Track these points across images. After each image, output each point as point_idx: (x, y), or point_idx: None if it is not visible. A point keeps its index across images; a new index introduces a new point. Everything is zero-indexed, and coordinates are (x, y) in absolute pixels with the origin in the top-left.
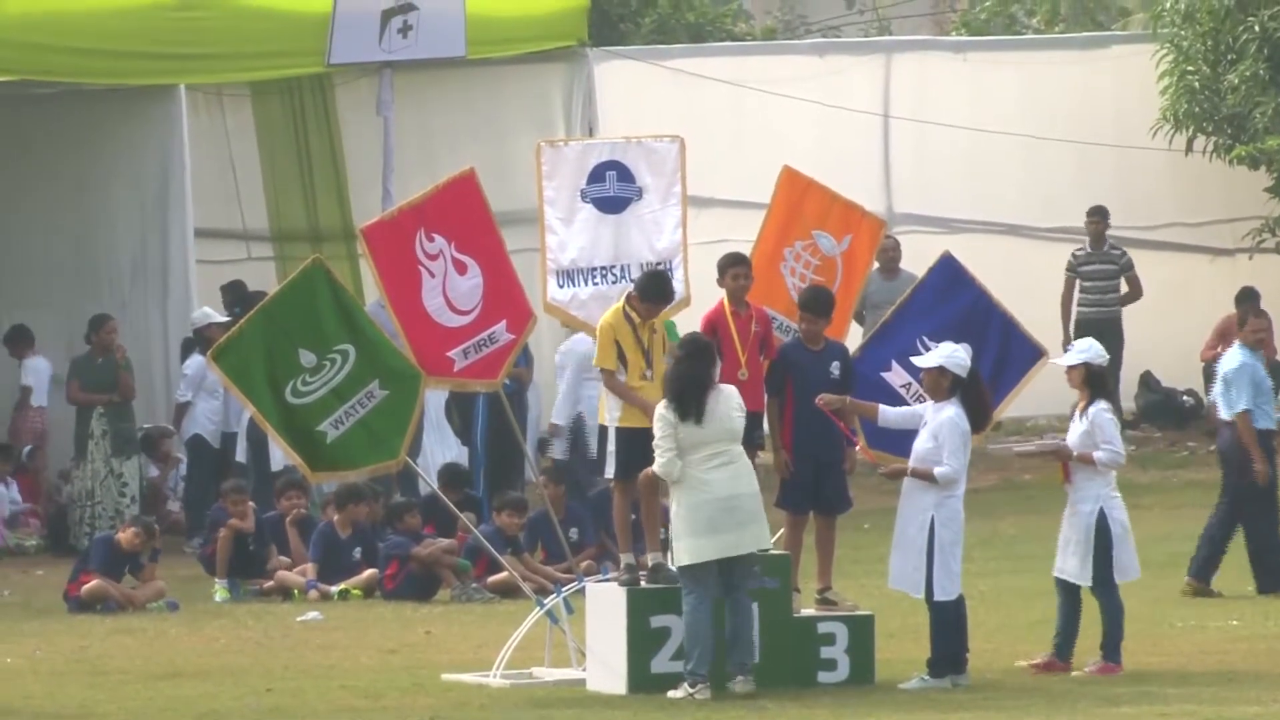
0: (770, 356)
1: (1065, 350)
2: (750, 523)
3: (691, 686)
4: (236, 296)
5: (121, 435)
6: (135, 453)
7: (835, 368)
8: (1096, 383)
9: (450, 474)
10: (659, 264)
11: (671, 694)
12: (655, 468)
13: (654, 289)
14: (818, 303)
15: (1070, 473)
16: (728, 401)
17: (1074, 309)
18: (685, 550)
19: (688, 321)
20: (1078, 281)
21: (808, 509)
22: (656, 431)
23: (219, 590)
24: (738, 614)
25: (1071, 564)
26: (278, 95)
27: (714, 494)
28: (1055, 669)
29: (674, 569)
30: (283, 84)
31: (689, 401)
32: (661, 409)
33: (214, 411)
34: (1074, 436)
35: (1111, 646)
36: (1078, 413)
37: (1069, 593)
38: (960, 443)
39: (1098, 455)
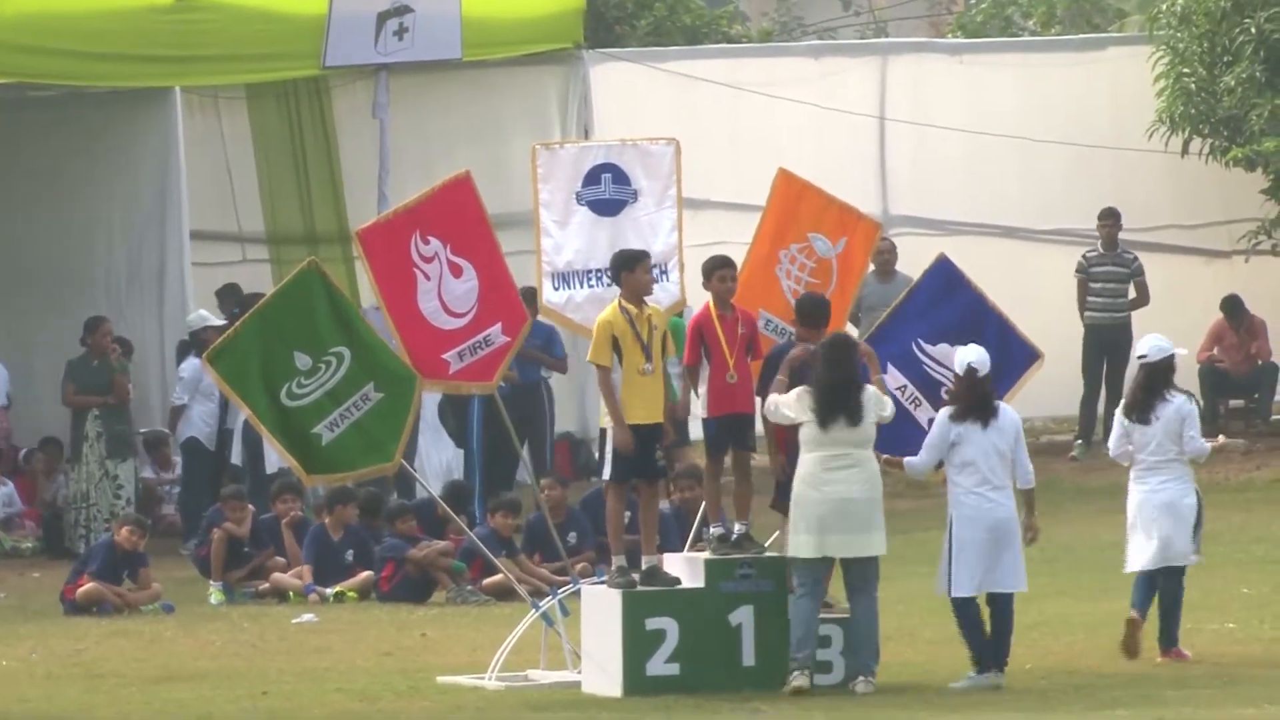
0: (757, 358)
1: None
2: (863, 529)
3: (790, 674)
4: (234, 299)
5: (116, 437)
6: (130, 455)
7: None
8: None
9: (453, 491)
10: (655, 266)
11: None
12: (768, 406)
13: (614, 262)
14: (814, 312)
15: None
16: (871, 405)
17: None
18: (797, 544)
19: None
20: (1088, 284)
21: None
22: (790, 401)
23: (214, 593)
24: (860, 617)
25: None
26: (273, 98)
27: (830, 494)
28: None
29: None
30: (278, 86)
31: (839, 404)
32: (800, 393)
33: (210, 414)
34: None
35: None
36: None
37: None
38: (937, 436)
39: None
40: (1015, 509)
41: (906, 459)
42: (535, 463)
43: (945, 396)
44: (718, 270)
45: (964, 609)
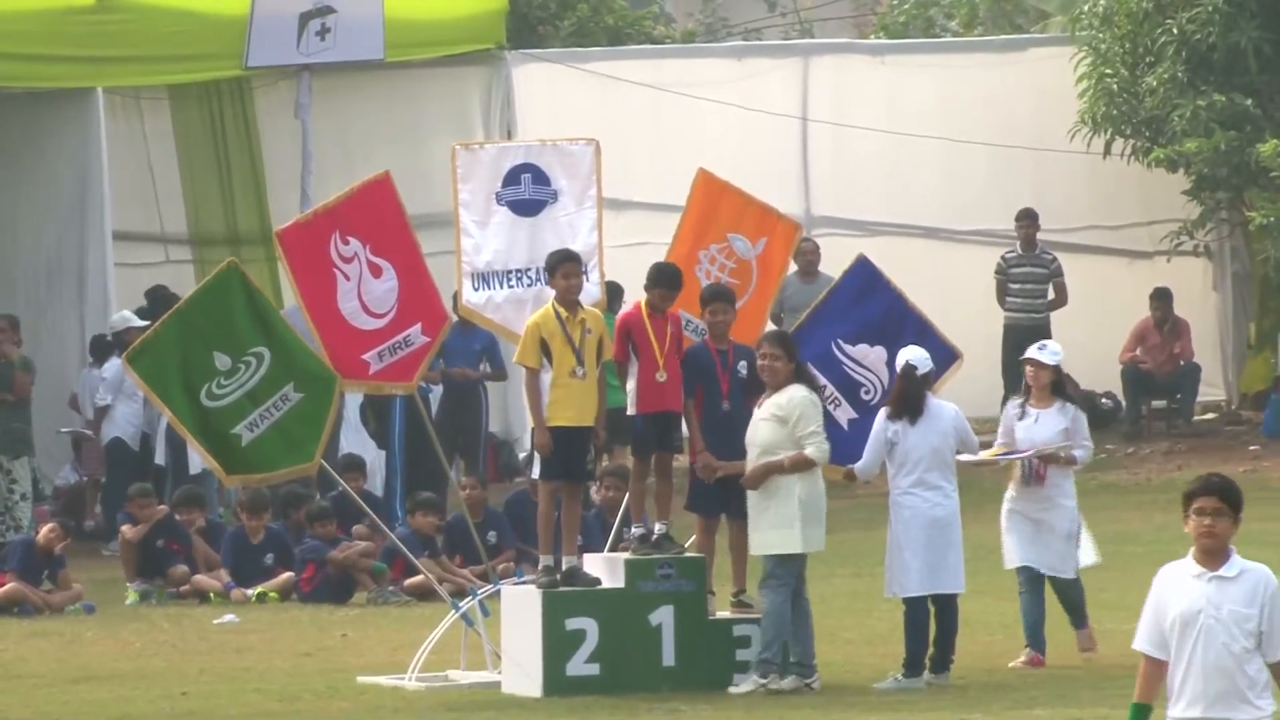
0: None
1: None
2: (824, 522)
3: (763, 676)
4: (156, 300)
5: (10, 434)
6: (26, 453)
7: (743, 367)
8: (1063, 384)
9: (348, 464)
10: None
11: (737, 689)
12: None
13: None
14: (716, 293)
15: (1046, 472)
16: None
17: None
18: (799, 539)
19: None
20: (1007, 285)
21: (719, 512)
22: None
23: (130, 593)
24: (808, 615)
25: (1053, 557)
26: (196, 98)
27: (820, 489)
28: (1039, 663)
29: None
30: (201, 87)
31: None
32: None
33: (134, 415)
34: (1046, 435)
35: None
36: (1034, 412)
37: (1040, 584)
38: (875, 436)
39: (1079, 453)
40: (955, 509)
41: (856, 465)
42: (470, 464)
43: (864, 397)
44: (659, 288)
45: (914, 610)
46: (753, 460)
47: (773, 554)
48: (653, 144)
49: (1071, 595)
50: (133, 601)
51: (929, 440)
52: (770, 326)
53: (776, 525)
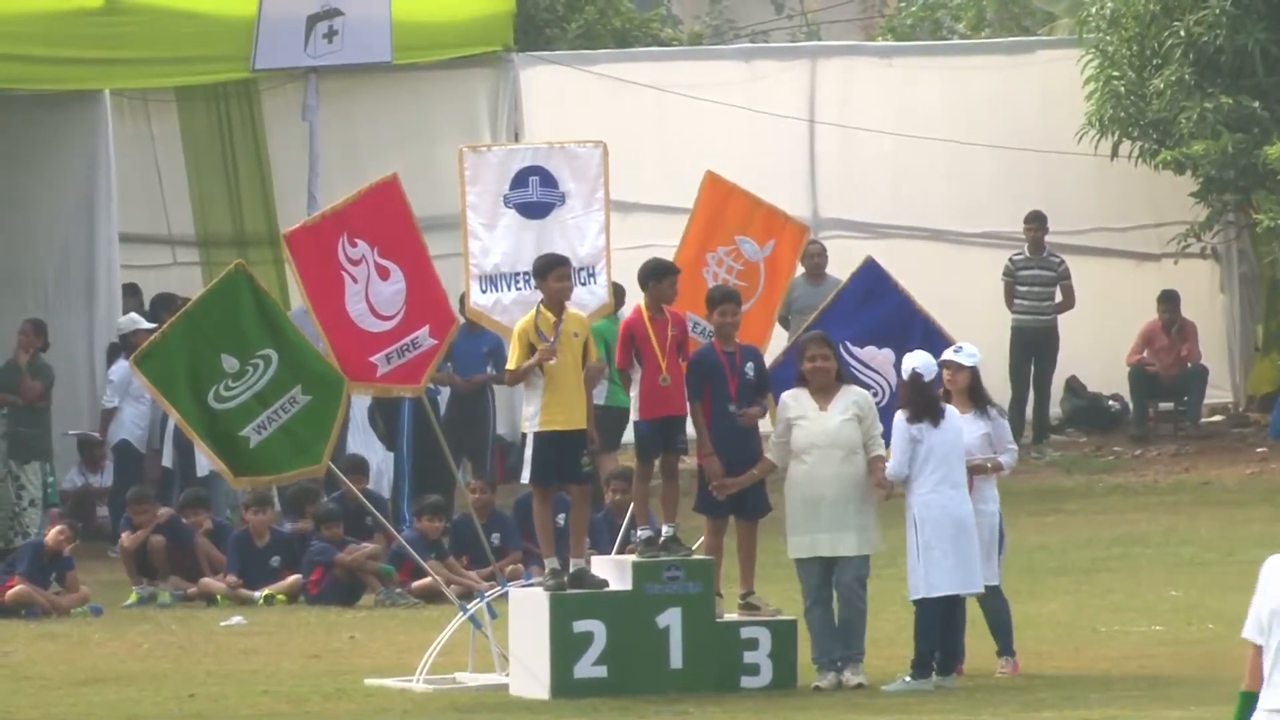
0: (687, 359)
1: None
2: None
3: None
4: (137, 300)
5: (19, 439)
6: (36, 458)
7: (750, 369)
8: (980, 388)
9: (350, 465)
10: (582, 269)
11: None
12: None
13: (533, 267)
14: (725, 294)
15: (973, 484)
16: None
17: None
18: (879, 539)
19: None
20: (1015, 287)
21: (727, 514)
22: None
23: (131, 595)
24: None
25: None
26: (203, 100)
27: None
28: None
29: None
30: (208, 89)
31: None
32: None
33: (140, 417)
34: (965, 439)
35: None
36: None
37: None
38: (903, 440)
39: (1005, 459)
40: (971, 508)
41: (888, 472)
42: (476, 465)
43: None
44: (654, 281)
45: (930, 611)
46: (838, 461)
47: (858, 555)
48: (660, 146)
49: (997, 613)
50: (131, 602)
51: (948, 439)
52: (779, 329)
53: (863, 528)
